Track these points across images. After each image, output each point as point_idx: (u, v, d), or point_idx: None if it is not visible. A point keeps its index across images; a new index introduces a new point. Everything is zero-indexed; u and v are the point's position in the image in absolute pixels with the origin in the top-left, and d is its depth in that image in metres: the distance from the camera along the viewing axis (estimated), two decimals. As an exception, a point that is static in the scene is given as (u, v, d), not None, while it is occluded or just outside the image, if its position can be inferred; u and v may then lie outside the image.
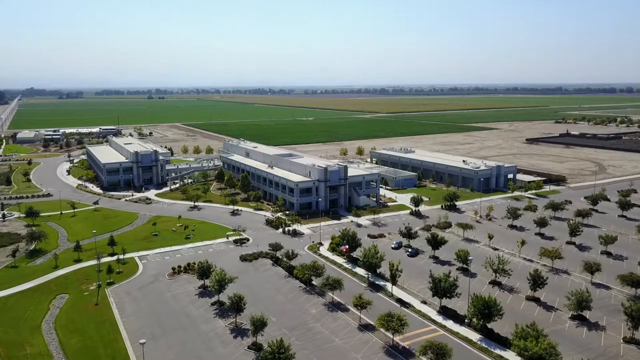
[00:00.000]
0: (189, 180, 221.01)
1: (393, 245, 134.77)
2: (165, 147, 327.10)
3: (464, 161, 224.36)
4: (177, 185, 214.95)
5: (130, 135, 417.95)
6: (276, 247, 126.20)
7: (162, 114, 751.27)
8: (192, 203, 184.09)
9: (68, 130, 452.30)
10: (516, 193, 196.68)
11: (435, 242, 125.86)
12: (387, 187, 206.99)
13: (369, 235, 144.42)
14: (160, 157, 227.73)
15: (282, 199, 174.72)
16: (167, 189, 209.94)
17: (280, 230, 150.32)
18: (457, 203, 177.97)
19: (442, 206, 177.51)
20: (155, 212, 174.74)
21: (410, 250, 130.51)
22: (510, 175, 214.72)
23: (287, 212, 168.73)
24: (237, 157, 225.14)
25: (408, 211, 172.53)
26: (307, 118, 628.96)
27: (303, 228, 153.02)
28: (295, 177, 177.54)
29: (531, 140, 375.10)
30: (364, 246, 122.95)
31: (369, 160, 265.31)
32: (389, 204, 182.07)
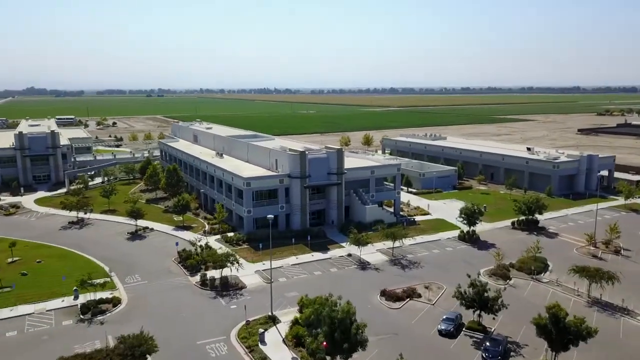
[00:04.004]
0: (105, 178, 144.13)
1: (441, 327, 56.67)
2: (115, 137, 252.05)
3: (529, 149, 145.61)
4: (86, 184, 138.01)
5: (86, 125, 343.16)
6: (132, 345, 47.52)
7: (148, 108, 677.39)
8: (82, 213, 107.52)
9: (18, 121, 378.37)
10: (630, 200, 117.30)
11: (561, 333, 47.43)
12: (410, 190, 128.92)
13: (383, 295, 66.45)
14: (66, 143, 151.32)
15: (222, 207, 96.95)
16: (65, 189, 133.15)
17: (199, 277, 72.40)
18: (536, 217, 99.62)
19: (514, 223, 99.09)
20: (9, 230, 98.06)
21: (492, 349, 51.92)
22: (604, 172, 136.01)
23: (230, 233, 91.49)
24: (179, 144, 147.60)
25: (455, 232, 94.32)
26: (307, 111, 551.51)
27: (249, 271, 75.29)
28: (248, 171, 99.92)
29: (586, 131, 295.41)
30: (371, 335, 45.41)
31: (379, 152, 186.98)
32: (418, 218, 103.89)
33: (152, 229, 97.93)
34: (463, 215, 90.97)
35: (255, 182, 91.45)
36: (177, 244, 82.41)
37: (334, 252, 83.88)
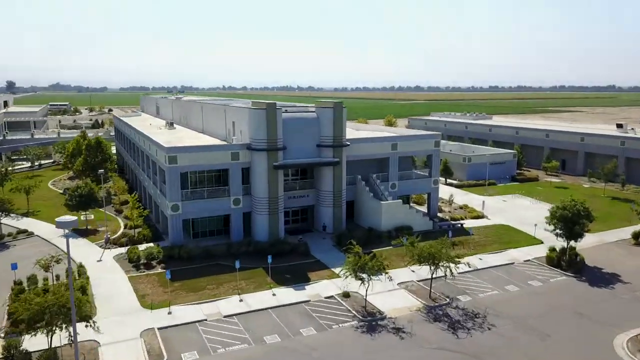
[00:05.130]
0: (35, 161, 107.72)
1: None
2: (96, 121, 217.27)
3: (620, 126, 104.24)
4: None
5: (79, 112, 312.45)
6: None
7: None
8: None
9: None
10: None
11: None
12: (449, 181, 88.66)
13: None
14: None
15: (135, 201, 58.52)
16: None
17: (2, 346, 33.50)
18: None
19: (637, 236, 57.93)
20: None
21: None
22: None
23: (147, 244, 52.97)
24: (131, 118, 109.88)
25: (536, 250, 53.89)
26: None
27: (130, 330, 36.21)
28: (187, 141, 61.50)
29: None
30: None
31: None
32: (468, 223, 63.25)
33: (31, 233, 60.00)
34: (556, 222, 50.26)
35: (186, 156, 52.06)
36: (14, 266, 43.72)
37: (318, 288, 44.40)
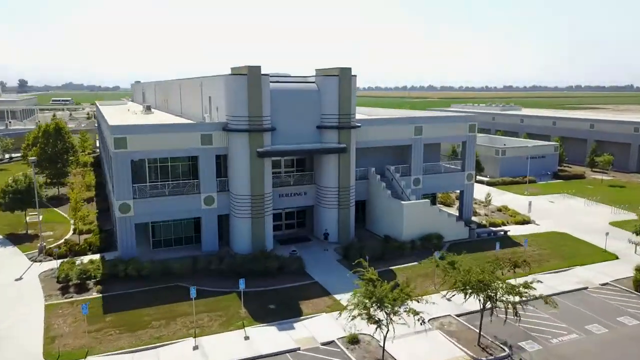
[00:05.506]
0: (8, 155, 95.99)
1: None
2: (93, 114, 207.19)
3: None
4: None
5: (82, 107, 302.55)
6: None
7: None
8: None
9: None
10: None
11: None
12: (479, 177, 74.14)
13: None
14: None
15: (78, 200, 45.24)
16: None
17: None
18: None
19: None
20: None
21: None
22: None
23: (89, 256, 39.57)
24: (112, 106, 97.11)
25: (608, 266, 39.60)
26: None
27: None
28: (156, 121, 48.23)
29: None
30: None
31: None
32: (513, 230, 49.12)
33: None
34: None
35: (139, 139, 38.44)
36: None
37: (314, 327, 30.65)
